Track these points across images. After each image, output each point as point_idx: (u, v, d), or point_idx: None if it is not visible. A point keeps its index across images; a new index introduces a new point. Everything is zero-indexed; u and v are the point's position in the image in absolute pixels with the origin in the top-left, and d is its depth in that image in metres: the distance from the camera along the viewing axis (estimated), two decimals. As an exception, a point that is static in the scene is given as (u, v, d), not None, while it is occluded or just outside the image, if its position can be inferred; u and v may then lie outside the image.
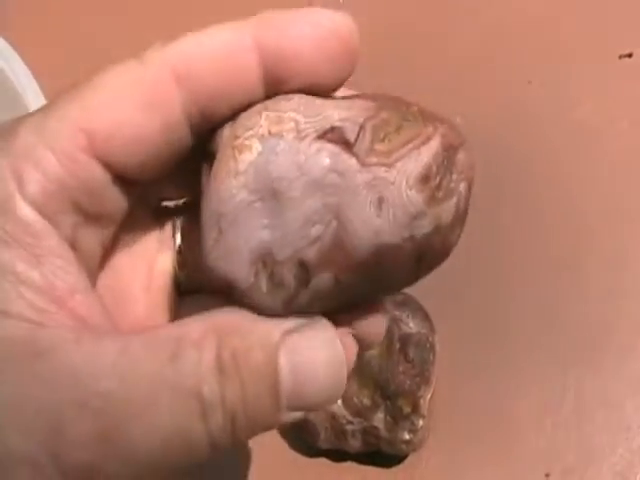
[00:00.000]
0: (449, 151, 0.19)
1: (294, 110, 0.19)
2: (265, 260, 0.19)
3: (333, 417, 0.36)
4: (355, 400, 0.36)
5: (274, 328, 0.19)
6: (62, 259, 0.19)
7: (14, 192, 0.18)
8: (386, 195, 0.18)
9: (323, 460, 0.38)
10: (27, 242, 0.18)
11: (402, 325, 0.36)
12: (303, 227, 0.18)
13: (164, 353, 0.18)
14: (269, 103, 0.19)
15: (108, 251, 0.21)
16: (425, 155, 0.19)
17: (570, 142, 0.49)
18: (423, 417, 0.36)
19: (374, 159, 0.18)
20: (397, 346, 0.36)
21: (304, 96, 0.19)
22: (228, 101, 0.19)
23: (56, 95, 0.20)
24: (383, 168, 0.18)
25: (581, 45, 0.52)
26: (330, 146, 0.18)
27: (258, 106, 0.19)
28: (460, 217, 0.20)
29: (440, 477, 0.38)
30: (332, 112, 0.19)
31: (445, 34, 0.53)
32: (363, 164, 0.18)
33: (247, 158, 0.18)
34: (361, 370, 0.36)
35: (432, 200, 0.19)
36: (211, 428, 0.18)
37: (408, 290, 0.39)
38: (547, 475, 0.38)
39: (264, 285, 0.19)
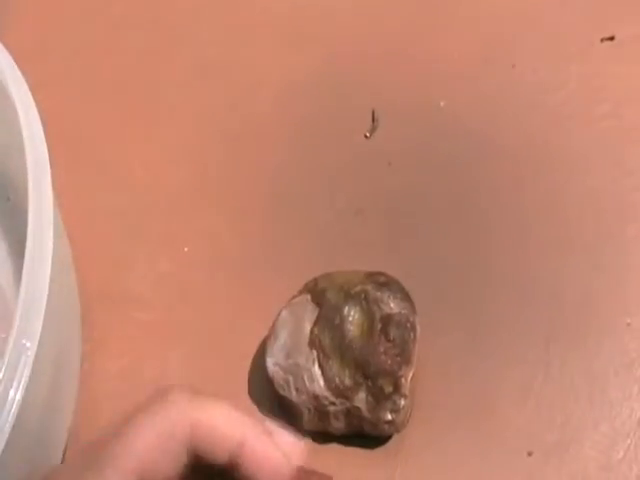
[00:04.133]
0: None
1: None
2: None
3: (315, 398, 0.36)
4: (337, 380, 0.36)
5: None
6: None
7: None
8: None
9: (307, 442, 0.38)
10: None
11: (383, 306, 0.37)
12: None
13: None
14: None
15: None
16: None
17: (553, 124, 0.49)
18: (405, 397, 0.36)
19: None
20: (378, 327, 0.36)
21: None
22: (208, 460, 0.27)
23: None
24: None
25: (564, 28, 0.52)
26: None
27: None
28: None
29: (423, 458, 0.38)
30: None
31: (428, 21, 0.53)
32: None
33: None
34: (343, 351, 0.36)
35: None
36: None
37: (389, 271, 0.40)
38: (530, 454, 0.38)
39: None
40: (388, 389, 0.36)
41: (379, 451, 0.38)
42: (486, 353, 0.41)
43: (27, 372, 0.32)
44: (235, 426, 0.27)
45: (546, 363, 0.40)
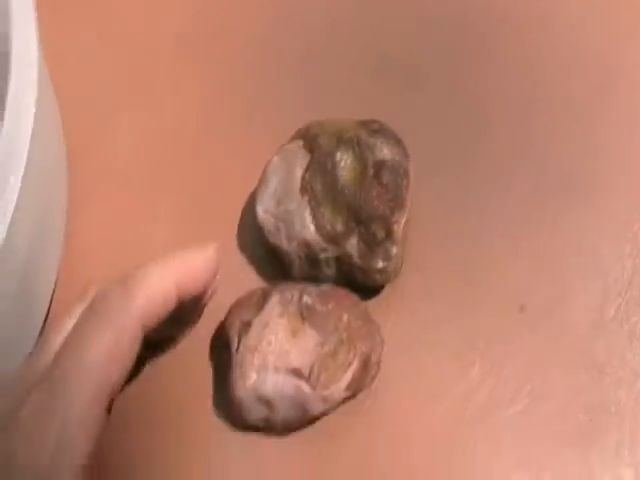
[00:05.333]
0: (364, 363, 0.34)
1: (272, 353, 0.33)
2: None
3: (307, 245, 0.35)
4: (328, 227, 0.35)
5: None
6: None
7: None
8: (329, 399, 0.33)
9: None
10: None
11: (376, 151, 0.36)
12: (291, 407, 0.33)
13: None
14: (258, 346, 0.34)
15: None
16: (349, 374, 0.33)
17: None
18: (397, 244, 0.35)
19: (319, 386, 0.33)
20: (371, 172, 0.35)
21: (276, 349, 0.34)
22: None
23: None
24: (325, 390, 0.33)
25: None
26: (295, 379, 0.33)
27: (250, 344, 0.34)
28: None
29: (415, 309, 0.38)
30: (294, 358, 0.33)
31: None
32: (314, 389, 0.33)
33: (249, 382, 0.33)
34: (334, 196, 0.35)
35: (353, 391, 0.34)
36: None
37: (382, 119, 0.39)
38: (522, 309, 0.38)
39: None
40: (380, 235, 0.35)
41: (371, 302, 0.37)
42: (479, 207, 0.40)
43: (11, 208, 0.31)
44: (170, 284, 0.31)
45: (539, 219, 0.40)
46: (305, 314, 0.34)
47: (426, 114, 0.43)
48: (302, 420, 0.34)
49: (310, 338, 0.33)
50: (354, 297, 0.36)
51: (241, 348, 0.34)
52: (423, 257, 0.38)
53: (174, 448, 0.35)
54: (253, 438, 0.35)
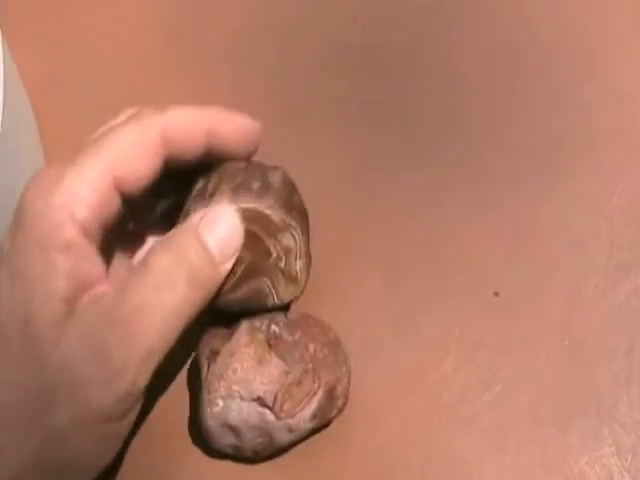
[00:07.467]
0: (329, 392, 0.34)
1: (237, 382, 0.33)
2: None
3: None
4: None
5: (192, 219, 0.30)
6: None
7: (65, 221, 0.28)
8: (295, 429, 0.33)
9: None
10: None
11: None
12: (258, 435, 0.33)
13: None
14: (224, 374, 0.33)
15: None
16: (314, 404, 0.33)
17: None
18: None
19: (283, 415, 0.32)
20: None
21: (241, 377, 0.33)
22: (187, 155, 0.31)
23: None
24: (289, 419, 0.33)
25: None
26: (259, 408, 0.32)
27: (217, 372, 0.33)
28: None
29: (386, 300, 0.37)
30: (258, 386, 0.33)
31: None
32: (279, 418, 0.32)
33: (216, 409, 0.33)
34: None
35: (318, 422, 0.34)
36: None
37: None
38: (496, 294, 0.38)
39: None
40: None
41: (340, 298, 0.37)
42: (449, 193, 0.39)
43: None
44: (200, 116, 0.30)
45: (513, 202, 0.39)
46: (272, 343, 0.33)
47: (395, 111, 0.42)
48: (271, 448, 0.34)
49: (275, 367, 0.33)
50: (324, 325, 0.35)
51: (209, 376, 0.33)
52: (394, 247, 0.38)
53: (149, 472, 0.35)
54: (225, 464, 0.35)
